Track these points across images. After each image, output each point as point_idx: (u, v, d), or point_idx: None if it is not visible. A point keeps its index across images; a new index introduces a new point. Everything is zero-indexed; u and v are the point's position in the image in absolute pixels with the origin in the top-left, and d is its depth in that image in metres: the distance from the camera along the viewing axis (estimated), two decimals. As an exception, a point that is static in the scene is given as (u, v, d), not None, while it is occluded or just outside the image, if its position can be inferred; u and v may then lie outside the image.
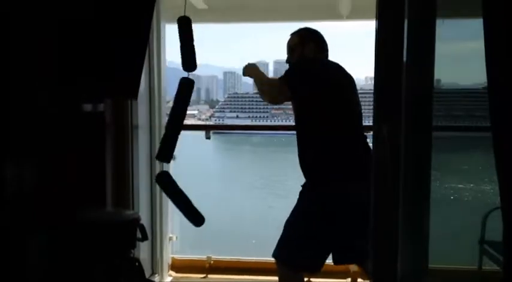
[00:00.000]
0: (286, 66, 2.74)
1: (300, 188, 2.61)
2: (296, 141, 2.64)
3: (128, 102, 2.69)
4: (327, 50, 2.77)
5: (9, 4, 2.04)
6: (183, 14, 2.19)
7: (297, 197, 2.61)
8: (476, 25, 1.36)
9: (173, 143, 2.13)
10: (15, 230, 2.18)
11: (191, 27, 2.11)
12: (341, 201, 2.43)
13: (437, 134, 1.79)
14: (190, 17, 2.18)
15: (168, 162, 2.21)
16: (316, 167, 2.55)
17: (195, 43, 2.11)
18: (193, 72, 2.18)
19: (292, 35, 2.78)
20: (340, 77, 2.66)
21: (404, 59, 1.62)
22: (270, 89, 2.62)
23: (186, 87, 2.11)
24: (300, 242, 2.50)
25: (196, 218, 2.20)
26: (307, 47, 2.71)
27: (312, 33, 2.76)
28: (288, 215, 2.60)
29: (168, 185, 2.20)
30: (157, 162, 3.31)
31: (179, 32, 2.10)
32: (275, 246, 2.60)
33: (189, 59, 2.10)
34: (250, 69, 2.73)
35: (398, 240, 1.68)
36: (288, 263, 2.55)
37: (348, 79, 2.67)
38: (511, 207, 1.33)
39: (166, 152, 2.15)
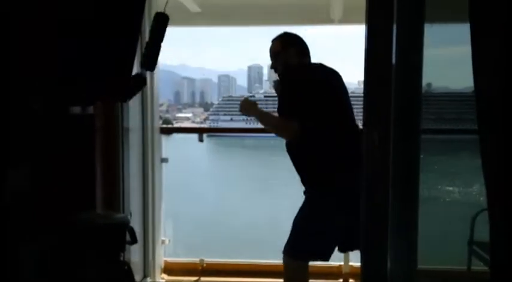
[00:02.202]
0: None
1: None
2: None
3: (118, 105, 2.69)
4: (309, 53, 2.78)
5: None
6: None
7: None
8: (465, 30, 1.38)
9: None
10: (2, 234, 2.17)
11: (166, 26, 2.05)
12: (345, 193, 2.48)
13: (427, 137, 1.81)
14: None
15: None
16: (320, 167, 2.60)
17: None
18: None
19: (273, 41, 2.80)
20: (328, 76, 2.72)
21: (393, 63, 1.64)
22: (287, 133, 2.61)
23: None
24: (311, 235, 2.59)
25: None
26: (289, 53, 2.72)
27: (293, 38, 2.78)
28: (296, 214, 2.68)
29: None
30: (149, 165, 3.31)
31: (152, 27, 2.04)
32: (285, 243, 2.67)
33: (152, 57, 2.05)
34: (249, 108, 2.75)
35: (387, 242, 1.70)
36: (299, 255, 2.64)
37: (336, 76, 2.74)
38: (497, 208, 1.35)
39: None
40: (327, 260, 2.73)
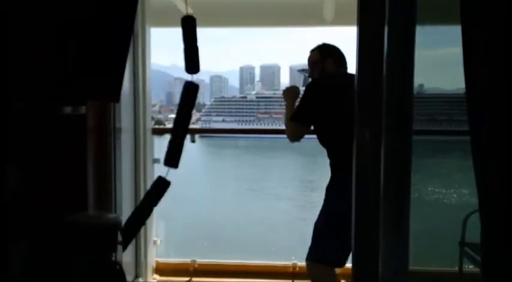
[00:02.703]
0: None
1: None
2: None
3: (110, 105, 2.69)
4: (345, 64, 2.93)
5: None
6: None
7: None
8: (457, 31, 1.39)
9: (180, 147, 2.10)
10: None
11: (195, 27, 2.10)
12: None
13: (418, 138, 1.82)
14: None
15: (176, 167, 2.11)
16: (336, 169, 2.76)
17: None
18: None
19: (312, 51, 2.94)
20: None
21: (385, 64, 1.65)
22: (293, 133, 2.87)
23: (190, 91, 2.08)
24: (332, 241, 2.65)
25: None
26: (326, 63, 2.89)
27: (331, 50, 2.93)
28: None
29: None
30: (141, 164, 3.30)
31: (183, 32, 2.08)
32: (308, 250, 2.74)
33: (192, 60, 2.07)
34: (289, 97, 2.94)
35: (379, 243, 1.70)
36: (324, 261, 2.70)
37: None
38: (488, 209, 1.36)
39: (174, 156, 2.10)
40: (343, 265, 2.81)
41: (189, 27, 2.07)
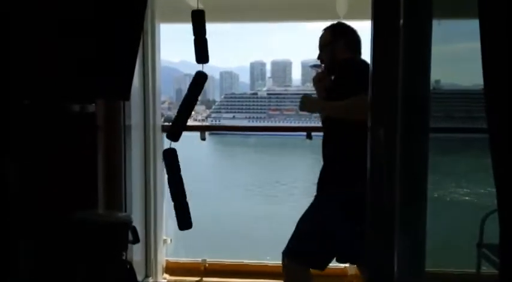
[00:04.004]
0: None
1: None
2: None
3: (120, 103, 2.67)
4: (358, 48, 2.62)
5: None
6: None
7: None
8: (474, 26, 1.35)
9: (183, 123, 2.29)
10: (3, 233, 2.15)
11: (204, 20, 2.23)
12: (354, 201, 2.26)
13: (435, 135, 1.78)
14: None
15: (177, 140, 2.31)
16: (343, 166, 2.49)
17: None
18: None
19: (324, 30, 2.66)
20: None
21: (401, 59, 1.61)
22: (361, 108, 2.38)
23: (200, 79, 2.24)
24: (312, 238, 2.49)
25: (184, 221, 2.34)
26: (337, 46, 2.58)
27: (345, 30, 2.63)
28: (302, 213, 2.58)
29: (171, 165, 2.31)
30: (151, 163, 3.28)
31: (192, 25, 2.22)
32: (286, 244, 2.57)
33: (201, 51, 2.22)
34: (311, 105, 2.63)
35: (394, 243, 1.67)
36: (298, 258, 2.54)
37: None
38: (507, 209, 1.32)
39: (176, 131, 2.30)
40: (322, 269, 2.60)
41: (198, 21, 2.20)
